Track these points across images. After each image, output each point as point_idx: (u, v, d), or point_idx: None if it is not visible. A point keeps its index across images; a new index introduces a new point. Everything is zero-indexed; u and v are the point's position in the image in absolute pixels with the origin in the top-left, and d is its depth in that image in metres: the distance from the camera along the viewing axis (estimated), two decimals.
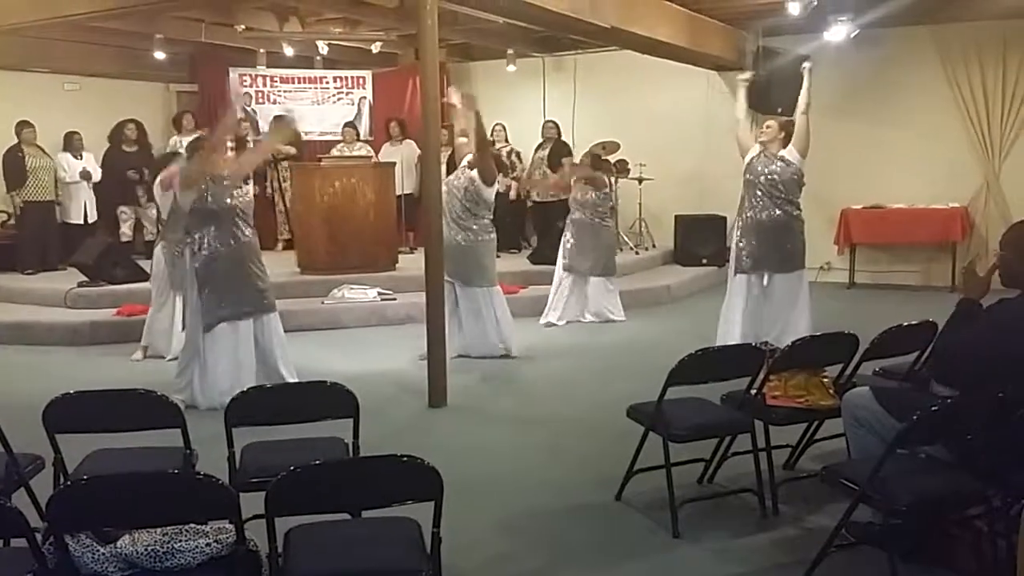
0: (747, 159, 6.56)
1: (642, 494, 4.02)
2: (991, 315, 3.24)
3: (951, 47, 9.58)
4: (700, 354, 3.78)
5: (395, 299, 8.40)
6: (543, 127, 10.83)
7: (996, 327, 3.19)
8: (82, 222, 9.95)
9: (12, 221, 9.89)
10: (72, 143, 9.91)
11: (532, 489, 4.28)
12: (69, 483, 2.44)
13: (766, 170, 6.45)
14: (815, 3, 7.97)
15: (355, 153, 10.52)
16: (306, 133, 11.53)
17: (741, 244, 6.54)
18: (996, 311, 3.22)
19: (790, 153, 6.46)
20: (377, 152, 10.80)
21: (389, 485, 2.56)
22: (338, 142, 11.00)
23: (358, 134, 11.05)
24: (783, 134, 6.53)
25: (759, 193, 6.46)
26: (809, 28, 9.19)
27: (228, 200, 5.51)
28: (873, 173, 9.96)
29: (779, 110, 10.34)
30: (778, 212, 6.43)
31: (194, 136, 6.79)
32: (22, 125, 9.49)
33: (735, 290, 6.55)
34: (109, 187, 10.19)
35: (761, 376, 3.93)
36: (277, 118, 10.99)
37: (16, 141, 9.47)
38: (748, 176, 6.53)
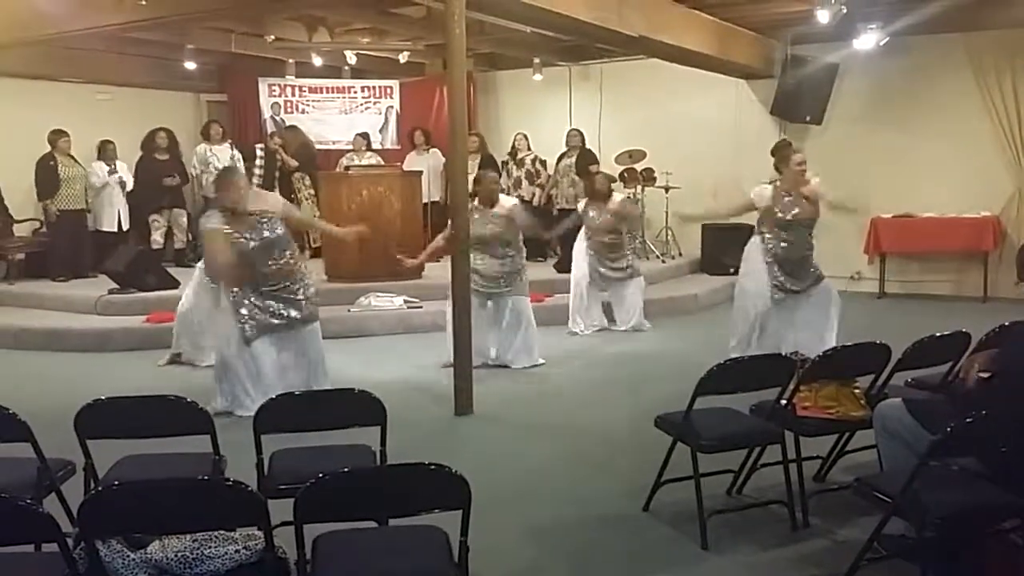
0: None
1: (670, 505, 3.98)
2: (1019, 339, 3.20)
3: (982, 55, 9.46)
4: (729, 364, 3.76)
5: (421, 307, 8.42)
6: (567, 135, 10.81)
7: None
8: (115, 230, 10.06)
9: (43, 229, 10.02)
10: (106, 152, 10.03)
11: (559, 498, 4.26)
12: (100, 489, 2.46)
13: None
14: (844, 11, 7.90)
15: (364, 162, 10.55)
16: (333, 142, 11.64)
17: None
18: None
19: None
20: (402, 161, 10.85)
21: (417, 493, 2.56)
22: (349, 151, 11.03)
23: (368, 144, 11.09)
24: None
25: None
26: (838, 36, 9.15)
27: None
28: (903, 182, 9.85)
29: (807, 118, 10.35)
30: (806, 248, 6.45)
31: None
32: (57, 134, 9.59)
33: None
34: (142, 195, 10.31)
35: (791, 386, 3.89)
36: (290, 128, 11.19)
37: (49, 150, 9.60)
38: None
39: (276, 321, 5.60)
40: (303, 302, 5.70)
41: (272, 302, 5.59)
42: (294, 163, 10.76)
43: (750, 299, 6.51)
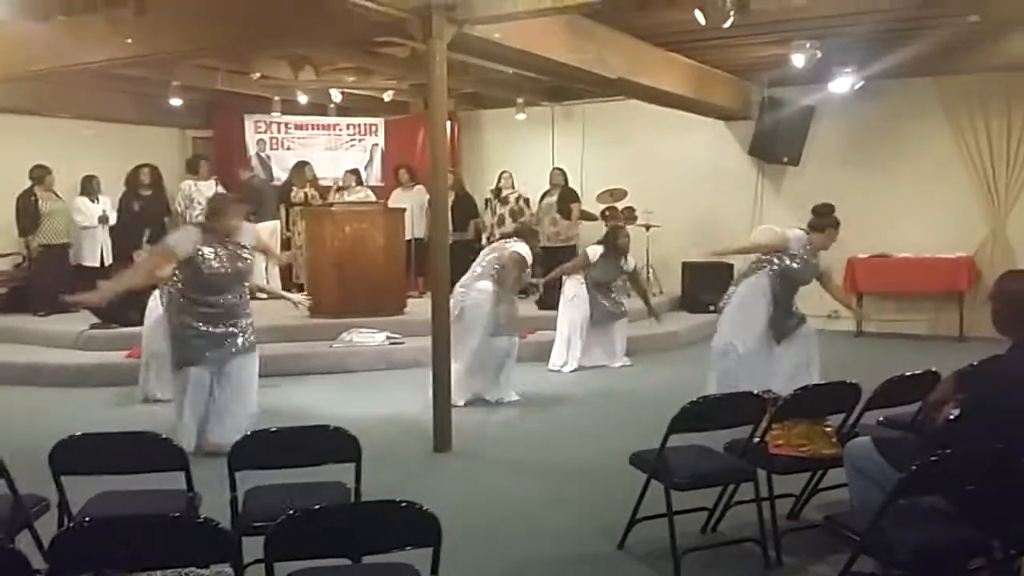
0: None
1: (644, 543, 4.00)
2: (989, 372, 3.26)
3: (955, 98, 9.69)
4: (702, 401, 3.80)
5: (403, 343, 8.44)
6: (551, 174, 10.94)
7: (995, 383, 3.21)
8: (98, 265, 10.05)
9: (25, 263, 10.00)
10: (90, 187, 10.05)
11: (534, 536, 4.27)
12: (71, 525, 2.46)
13: None
14: (819, 55, 8.09)
15: (353, 198, 10.60)
16: (320, 179, 11.70)
17: None
18: (993, 367, 3.24)
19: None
20: (387, 198, 10.93)
21: (388, 530, 2.58)
22: (339, 188, 11.09)
23: (358, 180, 11.16)
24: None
25: None
26: (814, 79, 9.35)
27: None
28: (879, 222, 9.99)
29: (784, 159, 10.51)
30: None
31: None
32: (41, 170, 9.61)
33: None
34: (126, 230, 10.31)
35: (764, 424, 3.94)
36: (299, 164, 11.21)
37: (30, 185, 9.60)
38: None
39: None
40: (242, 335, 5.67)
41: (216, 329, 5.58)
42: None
43: None
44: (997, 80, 9.36)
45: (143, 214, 10.34)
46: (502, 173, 11.08)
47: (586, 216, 10.84)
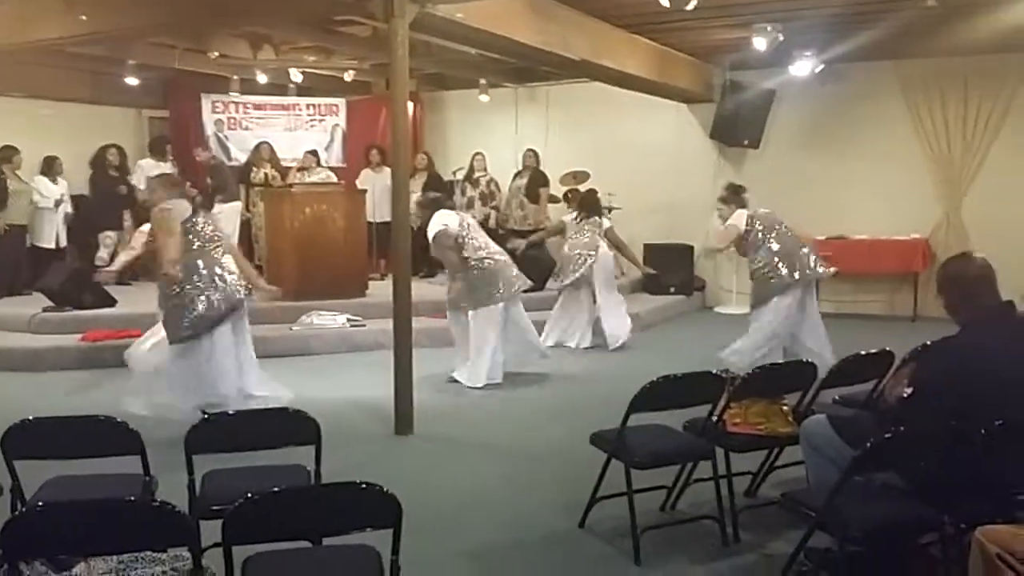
0: None
1: (605, 521, 4.04)
2: (942, 351, 3.33)
3: (914, 82, 9.82)
4: (662, 381, 3.82)
5: (364, 325, 8.40)
6: (523, 155, 10.87)
7: (948, 363, 3.28)
8: (53, 246, 9.85)
9: None
10: (53, 168, 9.82)
11: (495, 516, 4.29)
12: (23, 510, 2.42)
13: None
14: (781, 38, 8.14)
15: (312, 179, 10.49)
16: (280, 160, 11.54)
17: None
18: (946, 347, 3.31)
19: None
20: (354, 178, 10.82)
21: (348, 512, 2.57)
22: (300, 169, 10.94)
23: (318, 160, 11.03)
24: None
25: None
26: (775, 62, 9.40)
27: None
28: (836, 204, 10.13)
29: (745, 142, 10.59)
30: None
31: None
32: (10, 150, 9.40)
33: None
34: (95, 211, 10.10)
35: (722, 403, 3.99)
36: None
37: None
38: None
39: None
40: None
41: None
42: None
43: None
44: (955, 64, 9.49)
45: (128, 196, 10.15)
46: (475, 155, 10.98)
47: (551, 199, 10.83)
